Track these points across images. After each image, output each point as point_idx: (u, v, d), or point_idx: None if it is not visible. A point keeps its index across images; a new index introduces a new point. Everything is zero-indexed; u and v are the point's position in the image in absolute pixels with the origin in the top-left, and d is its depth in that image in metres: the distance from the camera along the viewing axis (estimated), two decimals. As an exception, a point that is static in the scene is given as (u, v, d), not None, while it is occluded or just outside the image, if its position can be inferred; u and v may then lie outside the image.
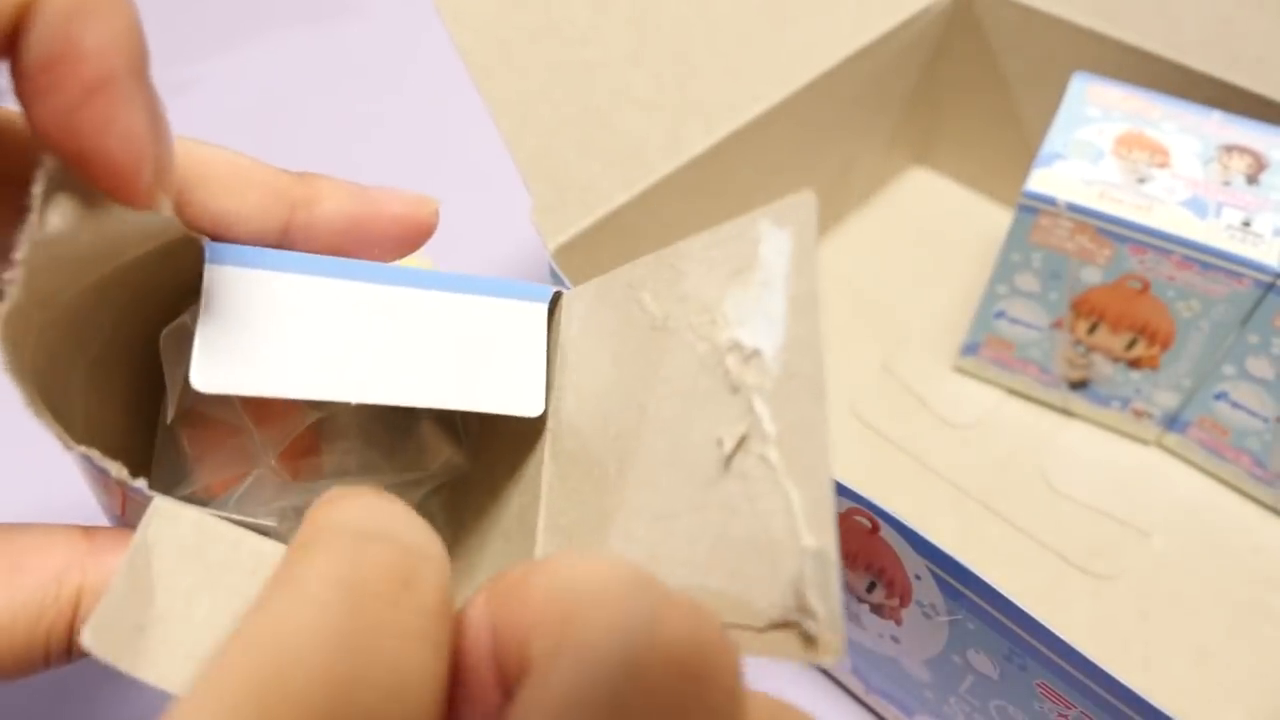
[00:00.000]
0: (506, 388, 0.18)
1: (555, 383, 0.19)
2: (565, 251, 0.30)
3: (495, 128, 0.29)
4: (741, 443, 0.14)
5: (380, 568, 0.12)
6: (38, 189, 0.13)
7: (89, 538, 0.15)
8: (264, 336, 0.16)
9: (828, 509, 0.13)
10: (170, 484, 0.18)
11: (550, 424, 0.19)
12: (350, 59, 0.59)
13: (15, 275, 0.13)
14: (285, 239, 0.18)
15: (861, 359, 0.40)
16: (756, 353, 0.14)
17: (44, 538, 0.15)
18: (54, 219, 0.13)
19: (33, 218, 0.13)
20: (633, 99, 0.32)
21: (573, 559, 0.13)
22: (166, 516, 0.15)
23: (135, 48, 0.13)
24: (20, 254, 0.13)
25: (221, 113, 0.55)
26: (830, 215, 0.46)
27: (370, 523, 0.13)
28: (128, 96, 0.13)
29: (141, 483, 0.15)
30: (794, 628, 0.13)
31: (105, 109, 0.12)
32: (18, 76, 0.12)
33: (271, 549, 0.15)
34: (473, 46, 0.28)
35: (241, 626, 0.11)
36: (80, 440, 0.15)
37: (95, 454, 0.15)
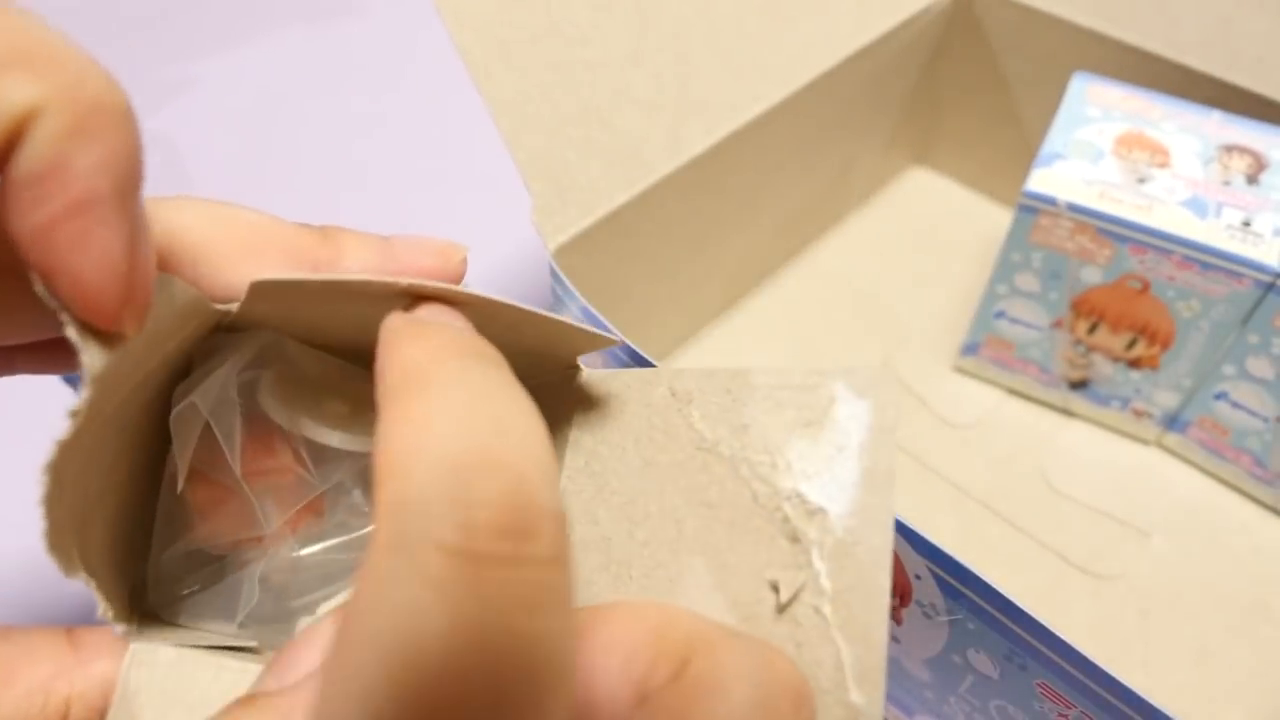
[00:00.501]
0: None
1: (567, 462, 0.19)
2: (565, 251, 0.30)
3: (495, 128, 0.29)
4: (798, 593, 0.15)
5: (495, 517, 0.11)
6: (72, 333, 0.13)
7: (74, 644, 0.15)
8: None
9: (879, 671, 0.14)
10: (172, 538, 0.18)
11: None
12: (349, 58, 0.59)
13: (81, 407, 0.13)
14: None
15: (861, 359, 0.40)
16: (822, 511, 0.15)
17: (30, 646, 0.15)
18: (95, 359, 0.13)
19: (82, 359, 0.13)
20: (633, 99, 0.32)
21: (651, 604, 0.14)
22: (144, 662, 0.15)
23: (128, 170, 0.13)
24: (84, 393, 0.13)
25: (221, 112, 0.55)
26: (830, 215, 0.46)
27: (470, 440, 0.12)
28: (109, 219, 0.13)
29: (121, 628, 0.15)
30: None
31: (84, 230, 0.12)
32: (3, 184, 0.12)
33: (254, 671, 0.15)
34: (472, 46, 0.28)
35: (357, 616, 0.11)
36: (93, 529, 0.15)
37: (92, 585, 0.15)
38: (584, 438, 0.18)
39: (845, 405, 0.15)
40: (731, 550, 0.16)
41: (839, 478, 0.15)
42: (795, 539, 0.15)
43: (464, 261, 0.18)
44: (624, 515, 0.17)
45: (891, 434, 0.15)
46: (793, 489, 0.15)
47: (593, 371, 0.19)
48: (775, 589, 0.15)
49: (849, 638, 0.14)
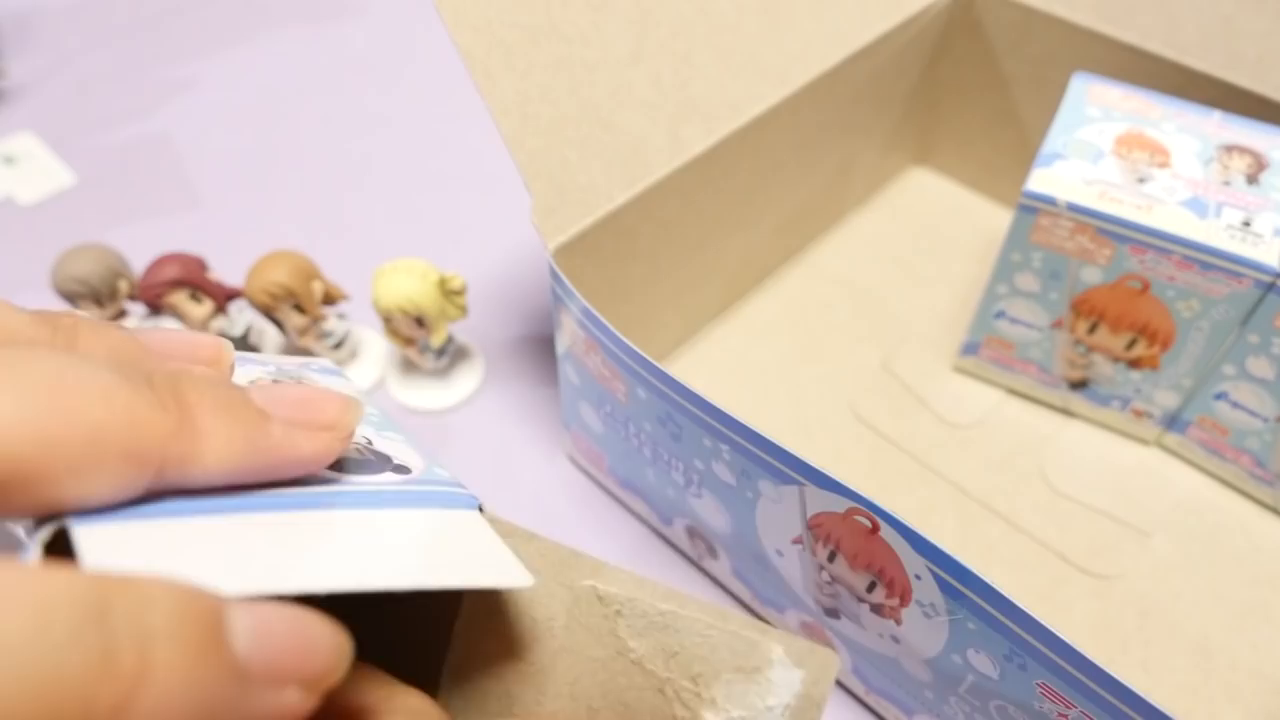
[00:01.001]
0: (481, 567, 0.16)
1: (471, 613, 0.18)
2: (565, 251, 0.30)
3: (495, 128, 0.29)
4: None
5: None
6: None
7: None
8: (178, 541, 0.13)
9: None
10: None
11: (455, 667, 0.18)
12: (349, 58, 0.59)
13: None
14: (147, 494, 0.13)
15: (861, 359, 0.40)
16: None
17: None
18: None
19: None
20: (633, 99, 0.32)
21: None
22: None
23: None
24: None
25: (222, 111, 0.55)
26: (830, 215, 0.46)
27: None
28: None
29: None
30: None
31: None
32: None
33: None
34: (473, 46, 0.28)
35: None
36: None
37: None
38: (501, 603, 0.18)
39: (781, 670, 0.16)
40: None
41: None
42: None
43: (357, 420, 0.16)
44: (533, 683, 0.17)
45: (821, 708, 0.16)
46: None
47: (509, 554, 0.17)
48: None
49: None
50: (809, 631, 0.31)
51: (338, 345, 0.40)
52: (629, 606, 0.17)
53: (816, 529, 0.26)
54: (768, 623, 0.33)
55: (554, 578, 0.18)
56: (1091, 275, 0.34)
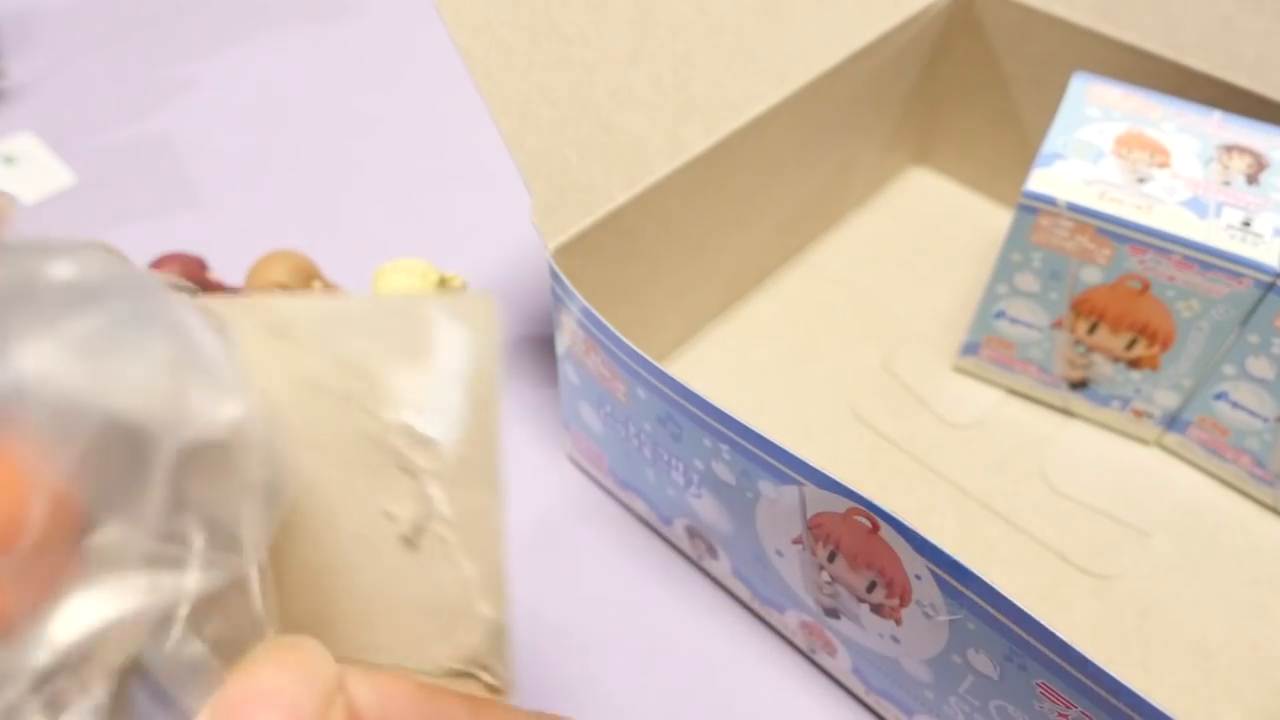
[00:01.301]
0: None
1: None
2: (565, 251, 0.30)
3: (495, 128, 0.29)
4: (416, 520, 0.15)
5: None
6: None
7: None
8: None
9: (501, 584, 0.15)
10: None
11: None
12: (349, 58, 0.59)
13: None
14: None
15: (861, 359, 0.40)
16: (432, 441, 0.15)
17: None
18: None
19: None
20: (633, 99, 0.32)
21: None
22: None
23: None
24: None
25: (221, 112, 0.55)
26: (830, 215, 0.46)
27: None
28: None
29: None
30: (473, 678, 0.15)
31: None
32: None
33: None
34: (473, 46, 0.28)
35: None
36: None
37: None
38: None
39: (444, 334, 0.15)
40: (347, 486, 0.15)
41: (445, 407, 0.15)
42: (409, 471, 0.15)
43: (9, 210, 0.16)
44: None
45: (494, 358, 0.15)
46: (400, 422, 0.15)
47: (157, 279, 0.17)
48: (394, 520, 0.15)
49: (473, 556, 0.15)
50: (809, 631, 0.31)
51: (337, 345, 0.40)
52: (296, 327, 0.16)
53: (816, 529, 0.26)
54: (767, 624, 0.33)
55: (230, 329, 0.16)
56: (1091, 275, 0.34)
